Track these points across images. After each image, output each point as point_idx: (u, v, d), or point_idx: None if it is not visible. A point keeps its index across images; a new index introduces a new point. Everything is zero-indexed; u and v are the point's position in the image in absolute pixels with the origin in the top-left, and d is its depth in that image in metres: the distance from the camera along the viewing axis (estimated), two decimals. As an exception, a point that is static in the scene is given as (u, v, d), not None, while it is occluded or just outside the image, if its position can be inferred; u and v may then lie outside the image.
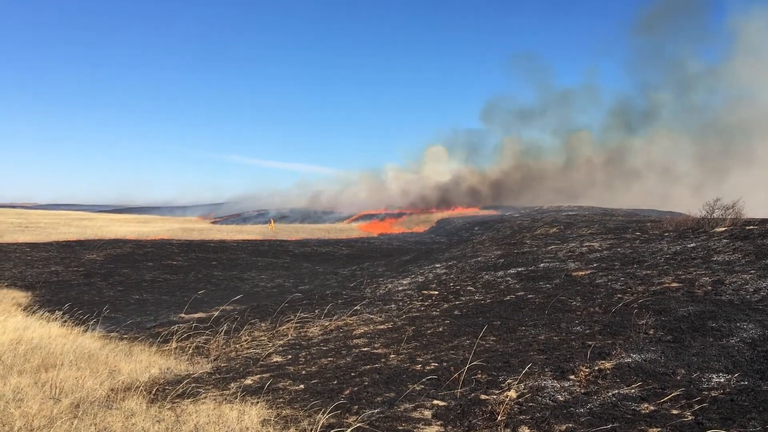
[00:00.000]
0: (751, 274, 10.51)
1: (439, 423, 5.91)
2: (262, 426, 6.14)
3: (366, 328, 10.91)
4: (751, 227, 15.04)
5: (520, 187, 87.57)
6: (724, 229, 15.64)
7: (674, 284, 10.76)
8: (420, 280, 16.09)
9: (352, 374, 7.88)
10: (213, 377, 8.34)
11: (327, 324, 11.64)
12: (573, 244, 18.07)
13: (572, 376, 6.76)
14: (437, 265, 18.64)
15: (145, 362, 9.12)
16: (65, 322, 12.39)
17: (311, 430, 5.88)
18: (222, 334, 11.10)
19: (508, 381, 6.82)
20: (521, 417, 5.80)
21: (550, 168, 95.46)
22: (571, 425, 5.51)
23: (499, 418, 5.81)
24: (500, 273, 14.79)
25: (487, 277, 14.61)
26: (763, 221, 15.99)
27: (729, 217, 17.21)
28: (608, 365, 6.93)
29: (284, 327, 11.60)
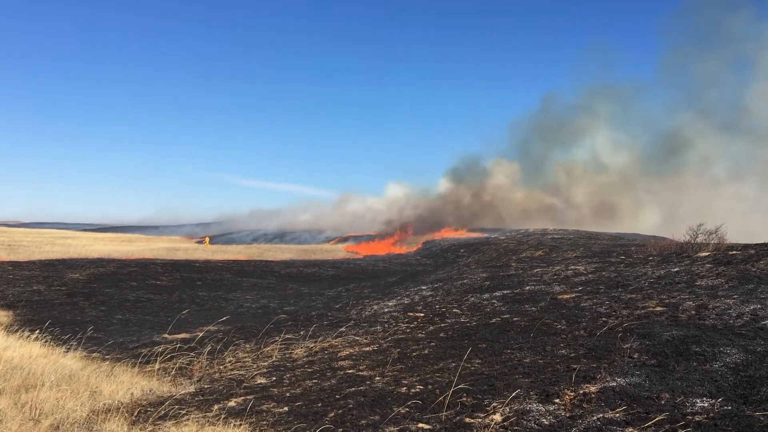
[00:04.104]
0: (734, 299, 10.60)
1: (424, 446, 5.88)
2: (246, 449, 6.08)
3: (351, 350, 10.86)
4: (734, 252, 15.20)
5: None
6: (707, 253, 15.80)
7: (658, 308, 10.83)
8: (406, 302, 16.07)
9: (337, 397, 7.83)
10: (196, 399, 8.25)
11: (312, 345, 11.57)
12: (558, 267, 18.15)
13: (557, 400, 6.76)
14: (423, 287, 18.63)
15: (127, 383, 9.01)
16: (46, 342, 12.22)
17: (295, 453, 5.82)
18: (206, 355, 11.00)
19: (494, 404, 6.81)
20: (506, 441, 5.79)
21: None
22: (556, 449, 5.50)
23: (484, 441, 5.79)
24: (486, 295, 14.80)
25: (473, 299, 14.61)
26: (746, 246, 16.17)
27: (712, 242, 17.38)
28: (593, 389, 6.94)
29: (269, 348, 11.51)
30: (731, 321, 9.39)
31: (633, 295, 12.19)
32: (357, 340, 11.77)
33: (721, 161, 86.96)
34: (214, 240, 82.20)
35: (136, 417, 7.30)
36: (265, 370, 9.91)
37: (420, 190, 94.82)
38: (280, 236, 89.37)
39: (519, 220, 70.96)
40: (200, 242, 78.65)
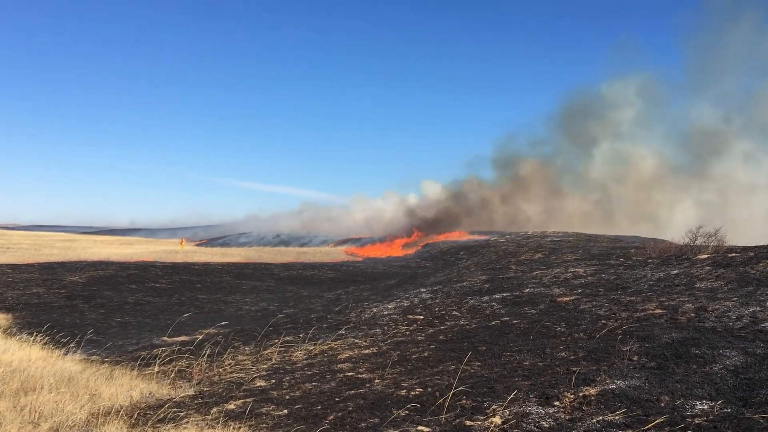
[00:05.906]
0: (733, 301, 10.60)
1: (423, 449, 5.87)
2: (245, 452, 6.07)
3: (351, 353, 10.85)
4: (734, 255, 15.20)
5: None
6: (706, 256, 15.80)
7: (658, 311, 10.83)
8: (405, 304, 16.06)
9: (336, 399, 7.83)
10: (195, 401, 8.24)
11: (311, 348, 11.57)
12: (558, 270, 18.15)
13: (557, 402, 6.76)
14: (423, 290, 18.63)
15: (127, 386, 9.01)
16: (45, 344, 12.22)
17: (294, 456, 5.81)
18: (205, 357, 10.99)
19: (493, 407, 6.80)
20: (506, 443, 5.78)
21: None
22: (555, 452, 5.49)
23: (483, 444, 5.79)
24: (485, 298, 14.80)
25: (472, 302, 14.61)
26: (745, 249, 16.18)
27: (711, 244, 17.38)
28: (593, 391, 6.94)
29: (268, 351, 11.51)
30: (731, 323, 9.39)
31: (632, 298, 12.19)
32: (356, 342, 11.76)
33: (751, 166, 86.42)
34: (212, 243, 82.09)
35: (135, 420, 7.30)
36: (264, 372, 9.90)
37: (448, 189, 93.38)
38: (293, 239, 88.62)
39: (566, 224, 68.57)
40: (200, 244, 78.63)
